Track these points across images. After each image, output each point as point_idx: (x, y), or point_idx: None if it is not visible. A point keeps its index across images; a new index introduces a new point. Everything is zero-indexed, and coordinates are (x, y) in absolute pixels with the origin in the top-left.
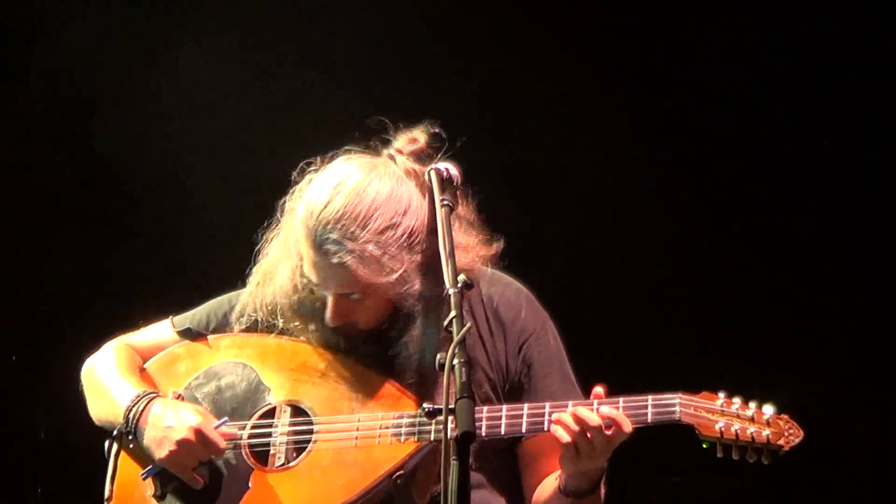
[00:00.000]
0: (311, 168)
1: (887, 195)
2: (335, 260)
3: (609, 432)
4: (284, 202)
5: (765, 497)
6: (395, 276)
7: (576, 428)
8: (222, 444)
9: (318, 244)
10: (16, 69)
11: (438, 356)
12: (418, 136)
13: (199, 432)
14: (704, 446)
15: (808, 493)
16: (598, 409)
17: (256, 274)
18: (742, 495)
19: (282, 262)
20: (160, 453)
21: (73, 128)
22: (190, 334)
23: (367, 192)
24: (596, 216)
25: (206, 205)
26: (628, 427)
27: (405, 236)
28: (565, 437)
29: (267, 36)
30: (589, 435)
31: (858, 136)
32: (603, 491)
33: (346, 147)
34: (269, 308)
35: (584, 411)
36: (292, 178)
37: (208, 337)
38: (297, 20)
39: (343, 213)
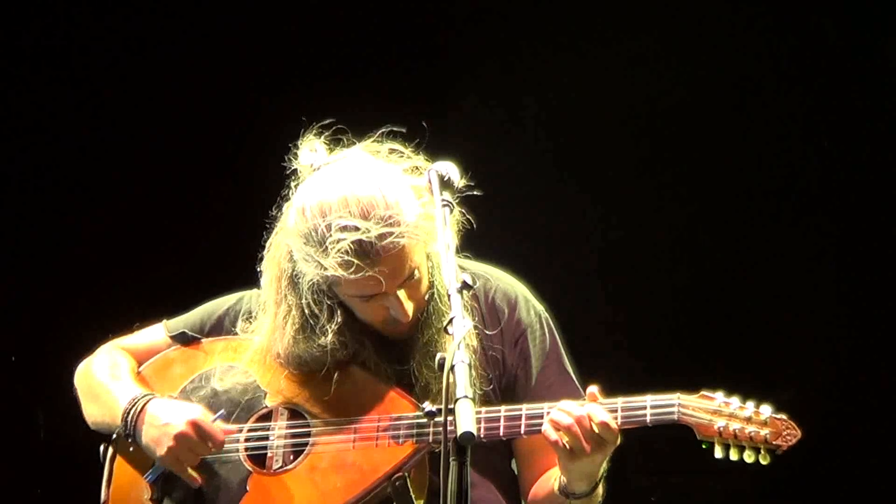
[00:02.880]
0: (291, 200)
1: (887, 195)
2: (392, 248)
3: (594, 423)
4: (272, 242)
5: (765, 497)
6: (430, 224)
7: (567, 422)
8: (221, 435)
9: (365, 252)
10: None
11: (438, 356)
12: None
13: (196, 425)
14: (704, 447)
15: (808, 492)
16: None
17: (264, 324)
18: (742, 495)
19: (287, 308)
20: (160, 451)
21: (73, 126)
22: (184, 338)
23: (369, 187)
24: (595, 215)
25: (203, 208)
26: (603, 415)
27: (419, 205)
28: (553, 435)
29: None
30: (577, 430)
31: (858, 137)
32: (600, 491)
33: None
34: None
35: (568, 403)
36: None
37: (203, 340)
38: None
39: (363, 214)
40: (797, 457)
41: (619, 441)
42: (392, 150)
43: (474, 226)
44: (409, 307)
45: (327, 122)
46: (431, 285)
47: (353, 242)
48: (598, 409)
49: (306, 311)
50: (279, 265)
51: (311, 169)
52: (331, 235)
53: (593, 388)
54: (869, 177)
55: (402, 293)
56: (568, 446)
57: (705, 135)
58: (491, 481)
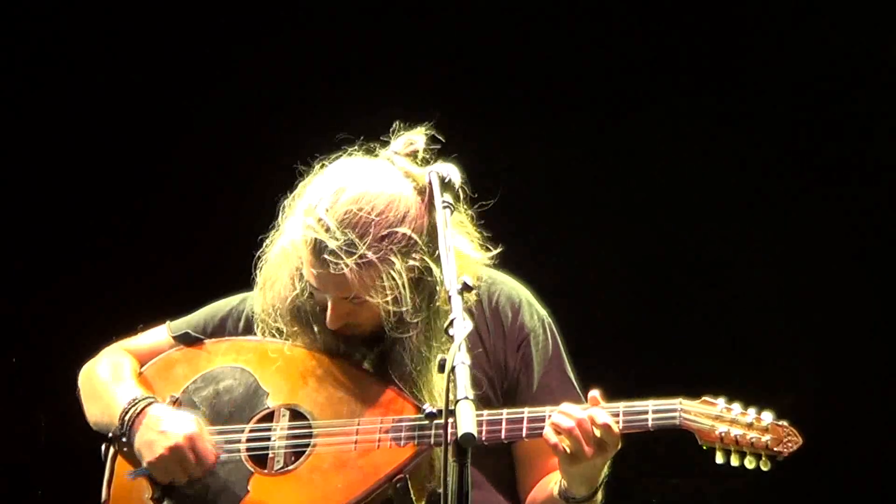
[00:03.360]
0: (310, 170)
1: (887, 200)
2: (333, 270)
3: (594, 426)
4: (284, 205)
5: (764, 498)
6: (389, 284)
7: (568, 425)
8: (212, 458)
9: (317, 252)
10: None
11: (439, 357)
12: (415, 138)
13: (193, 442)
14: (704, 448)
15: (808, 494)
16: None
17: (259, 278)
18: (742, 497)
19: (282, 266)
20: (150, 456)
21: (74, 129)
22: (187, 339)
23: (365, 199)
24: (595, 218)
25: (206, 209)
26: (605, 418)
27: (403, 243)
28: (553, 438)
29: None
30: (578, 433)
31: (860, 136)
32: (600, 497)
33: (345, 148)
34: (271, 313)
35: (570, 406)
36: (294, 180)
37: (206, 341)
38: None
39: (341, 221)
40: (797, 461)
41: (620, 445)
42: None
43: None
44: (335, 320)
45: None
46: (386, 318)
47: (312, 240)
48: (599, 412)
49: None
50: (282, 244)
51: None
52: (307, 217)
53: (595, 392)
54: (869, 182)
55: (329, 304)
56: (569, 449)
57: (704, 137)
58: (492, 483)
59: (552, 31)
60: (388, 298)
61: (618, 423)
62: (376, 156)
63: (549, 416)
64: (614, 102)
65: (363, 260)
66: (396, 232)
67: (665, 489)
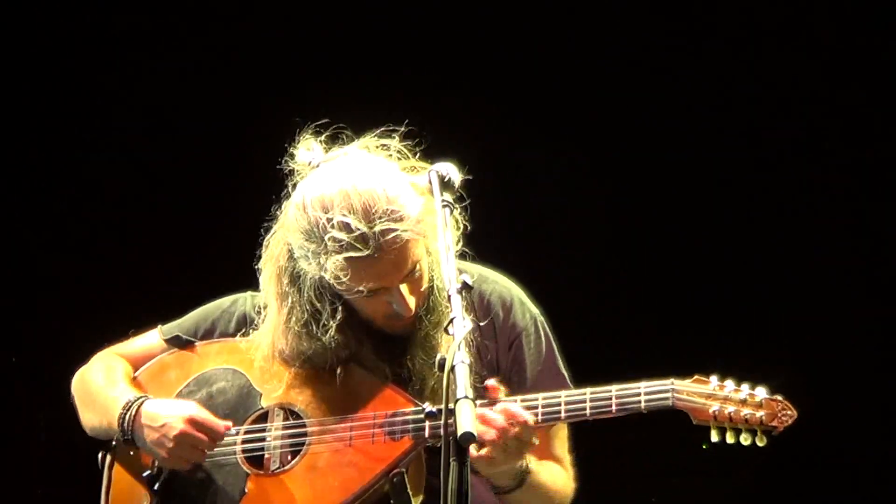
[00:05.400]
0: (293, 193)
1: (882, 184)
2: (396, 245)
3: (515, 430)
4: (270, 240)
5: (764, 498)
6: (430, 219)
7: (491, 436)
8: (220, 426)
9: (370, 247)
10: None
11: (438, 356)
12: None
13: (193, 422)
14: (704, 447)
15: (808, 494)
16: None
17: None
18: (742, 496)
19: (290, 305)
20: (162, 453)
21: (74, 134)
22: (178, 342)
23: (370, 183)
24: (586, 207)
25: (200, 212)
26: (524, 416)
27: (415, 188)
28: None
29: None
30: (495, 436)
31: (855, 131)
32: (572, 485)
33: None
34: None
35: (488, 413)
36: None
37: (197, 344)
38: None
39: (367, 208)
40: (798, 456)
41: (535, 440)
42: (385, 147)
43: (468, 226)
44: (412, 301)
45: (323, 121)
46: (430, 280)
47: (355, 238)
48: (514, 407)
49: (308, 308)
50: (278, 263)
51: (310, 167)
52: (332, 231)
53: (493, 382)
54: (857, 164)
55: (404, 287)
56: (490, 456)
57: (695, 124)
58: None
59: (550, 30)
60: (434, 254)
61: (609, 407)
62: (349, 155)
63: (542, 403)
64: (608, 100)
65: (412, 219)
66: (409, 193)
67: (665, 488)
